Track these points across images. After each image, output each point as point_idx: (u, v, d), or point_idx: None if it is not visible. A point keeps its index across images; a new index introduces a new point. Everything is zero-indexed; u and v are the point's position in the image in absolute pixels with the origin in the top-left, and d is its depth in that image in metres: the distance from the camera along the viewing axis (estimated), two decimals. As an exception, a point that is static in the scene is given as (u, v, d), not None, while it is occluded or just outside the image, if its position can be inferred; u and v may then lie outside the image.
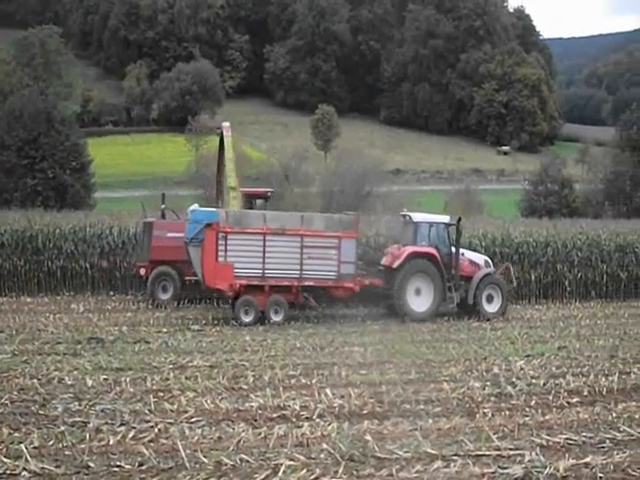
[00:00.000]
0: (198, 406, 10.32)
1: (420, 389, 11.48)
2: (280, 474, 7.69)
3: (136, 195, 55.73)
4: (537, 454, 8.37)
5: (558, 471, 7.83)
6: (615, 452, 8.60)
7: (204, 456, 8.20)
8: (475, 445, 8.69)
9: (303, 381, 12.01)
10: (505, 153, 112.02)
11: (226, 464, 8.02)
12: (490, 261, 21.66)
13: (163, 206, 23.60)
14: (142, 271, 21.52)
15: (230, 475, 7.76)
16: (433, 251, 19.90)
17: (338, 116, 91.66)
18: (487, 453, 8.46)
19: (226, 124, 22.71)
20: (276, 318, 18.54)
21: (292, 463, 8.02)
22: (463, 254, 20.75)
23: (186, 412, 9.99)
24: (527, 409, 10.51)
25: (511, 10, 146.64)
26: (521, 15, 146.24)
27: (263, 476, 7.68)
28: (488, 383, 11.95)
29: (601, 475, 7.81)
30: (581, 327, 18.90)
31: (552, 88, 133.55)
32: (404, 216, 21.35)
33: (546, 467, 7.90)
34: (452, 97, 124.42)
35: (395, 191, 48.82)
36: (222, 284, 18.20)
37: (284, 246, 18.62)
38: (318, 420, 9.74)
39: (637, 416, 10.19)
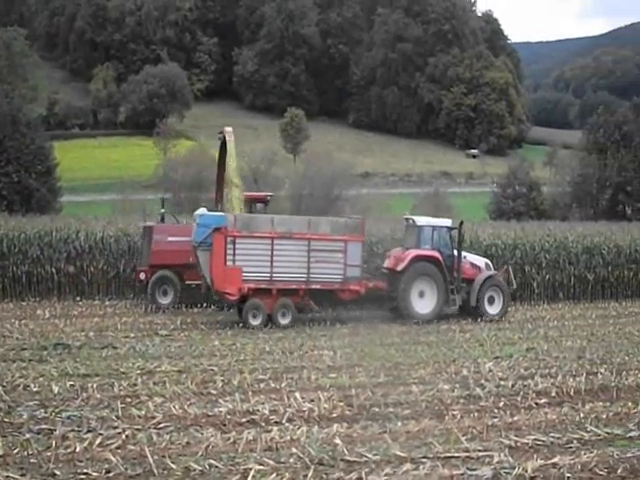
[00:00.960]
0: (166, 412, 10.22)
1: (389, 392, 11.49)
2: (249, 479, 7.64)
3: (104, 199, 55.32)
4: (505, 455, 8.42)
5: (526, 472, 7.88)
6: (582, 452, 8.68)
7: (172, 462, 8.13)
8: (444, 447, 8.71)
9: (272, 385, 11.96)
10: (474, 156, 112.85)
11: (195, 470, 7.96)
12: (490, 264, 22.02)
13: (162, 210, 23.52)
14: (142, 275, 21.42)
15: (198, 480, 7.70)
16: (436, 254, 20.25)
17: (307, 119, 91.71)
18: (456, 455, 8.49)
19: (229, 129, 22.56)
20: (284, 321, 18.73)
21: (261, 468, 7.97)
22: (465, 257, 21.13)
23: (154, 418, 9.89)
24: (496, 410, 10.57)
25: (479, 14, 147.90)
26: (489, 19, 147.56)
27: (231, 481, 7.64)
28: (457, 385, 12.00)
29: (569, 475, 7.87)
30: (549, 328, 19.10)
31: (520, 92, 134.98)
32: (407, 220, 21.73)
33: (514, 468, 7.95)
34: (421, 101, 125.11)
35: (364, 194, 49.00)
36: (231, 288, 18.31)
37: (291, 250, 18.84)
38: (287, 424, 9.70)
39: (604, 416, 10.30)
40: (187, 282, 21.31)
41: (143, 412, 10.15)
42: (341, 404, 10.68)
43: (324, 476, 7.83)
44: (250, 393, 11.23)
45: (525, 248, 25.40)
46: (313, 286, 19.10)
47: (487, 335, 17.67)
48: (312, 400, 10.86)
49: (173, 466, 8.01)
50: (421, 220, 21.32)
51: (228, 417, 10.04)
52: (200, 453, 8.48)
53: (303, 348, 15.48)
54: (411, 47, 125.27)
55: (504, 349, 15.64)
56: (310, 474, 7.81)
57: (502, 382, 12.27)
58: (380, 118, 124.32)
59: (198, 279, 20.39)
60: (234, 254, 18.26)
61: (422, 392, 11.44)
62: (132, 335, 16.82)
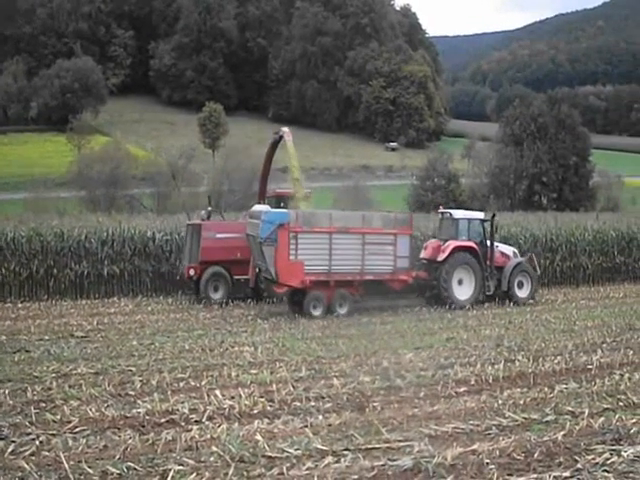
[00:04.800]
0: (82, 415, 9.92)
1: (311, 386, 11.46)
2: (169, 480, 7.50)
3: (16, 198, 53.59)
4: (426, 444, 8.47)
5: (446, 460, 7.95)
6: (501, 438, 8.82)
7: (89, 467, 7.89)
8: (365, 439, 8.72)
9: (192, 384, 11.74)
10: (393, 149, 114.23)
11: (112, 473, 7.76)
12: (517, 252, 23.95)
13: (209, 208, 24.39)
14: (192, 272, 22.04)
15: (116, 484, 7.53)
16: (474, 245, 21.94)
17: (226, 114, 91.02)
18: (377, 446, 8.50)
19: (286, 129, 23.51)
20: (341, 311, 19.85)
21: (181, 468, 7.82)
22: (497, 246, 22.89)
23: (70, 422, 9.58)
24: (416, 401, 10.64)
25: (397, 8, 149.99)
26: (407, 13, 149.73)
27: (151, 483, 7.48)
28: (378, 377, 12.02)
29: (487, 461, 7.97)
30: (468, 318, 19.39)
31: (438, 85, 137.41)
32: (442, 213, 23.54)
33: (434, 456, 8.01)
34: (340, 94, 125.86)
35: (284, 188, 48.76)
36: (294, 281, 19.38)
37: (348, 243, 19.98)
38: (207, 422, 9.55)
39: (521, 402, 10.49)
40: (235, 277, 22.18)
41: (58, 417, 9.82)
42: (262, 400, 10.57)
43: (245, 473, 7.73)
44: (169, 392, 11.01)
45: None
46: (367, 277, 20.35)
47: (408, 326, 17.83)
48: (233, 397, 10.72)
49: (90, 471, 7.78)
50: (458, 213, 23.11)
51: (147, 418, 9.81)
52: (118, 456, 8.27)
53: (224, 345, 15.26)
54: (330, 41, 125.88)
55: (424, 339, 15.80)
56: (231, 472, 7.70)
57: (422, 372, 12.39)
58: (299, 112, 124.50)
59: (246, 274, 21.99)
60: (296, 248, 19.30)
61: (343, 385, 11.44)
62: (47, 338, 16.23)
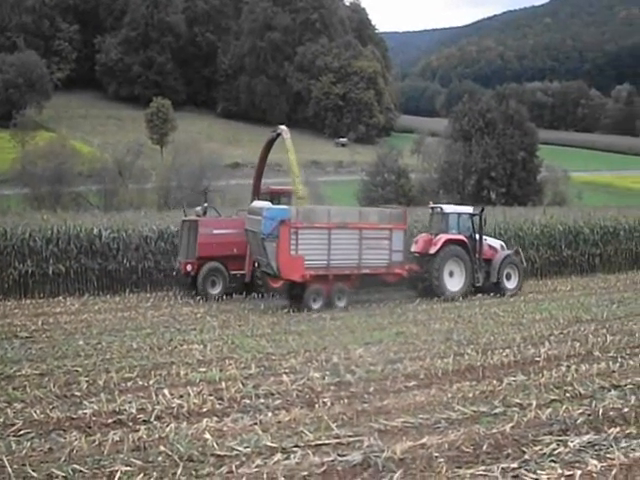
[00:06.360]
0: (27, 417, 9.71)
1: (260, 383, 11.38)
2: (115, 481, 7.36)
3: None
4: (375, 439, 8.48)
5: (395, 454, 7.95)
6: (450, 431, 8.86)
7: (33, 470, 7.72)
8: (315, 435, 8.70)
9: (140, 383, 11.58)
10: (343, 145, 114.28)
11: (57, 476, 7.59)
12: (504, 245, 24.80)
13: (205, 204, 24.71)
14: (189, 267, 22.40)
15: (61, 487, 7.36)
16: (464, 238, 22.76)
17: (174, 109, 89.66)
18: (327, 442, 8.48)
19: (284, 127, 23.99)
20: (340, 304, 20.50)
21: (128, 469, 7.70)
22: (486, 239, 23.74)
23: (13, 425, 9.36)
24: (366, 396, 10.65)
25: (347, 4, 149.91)
26: (357, 9, 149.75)
27: (97, 485, 7.34)
28: (327, 373, 12.01)
29: (436, 454, 8.01)
30: (418, 312, 19.52)
31: (388, 80, 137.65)
32: (433, 208, 24.36)
33: (384, 451, 8.01)
34: (290, 90, 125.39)
35: (233, 185, 48.58)
36: (295, 275, 19.96)
37: (345, 238, 20.59)
38: (156, 422, 9.42)
39: (470, 395, 10.57)
40: (232, 272, 22.67)
41: (1, 420, 9.59)
42: (211, 398, 10.47)
43: (193, 472, 7.64)
44: (117, 393, 10.84)
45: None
46: (363, 271, 20.97)
47: (358, 322, 17.87)
48: (181, 396, 10.60)
49: (34, 474, 7.61)
50: (448, 208, 24.04)
51: (93, 419, 9.63)
52: (63, 458, 8.09)
53: (172, 343, 15.08)
54: (279, 36, 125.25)
55: (374, 334, 15.83)
56: (179, 471, 7.60)
57: (372, 367, 12.40)
58: (249, 107, 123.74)
59: (242, 269, 22.74)
60: (297, 244, 19.80)
61: (293, 381, 11.40)
62: (-11, 338, 15.88)
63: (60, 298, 22.55)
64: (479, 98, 70.42)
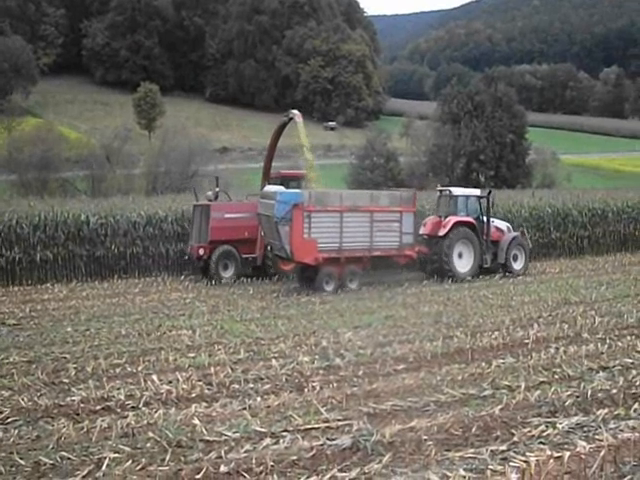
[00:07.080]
0: (14, 405, 9.67)
1: (249, 368, 11.36)
2: (104, 468, 7.33)
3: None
4: (364, 422, 8.47)
5: (384, 437, 7.95)
6: (439, 414, 8.87)
7: (21, 457, 7.70)
8: (304, 419, 8.68)
9: (129, 369, 11.54)
10: (332, 129, 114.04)
11: (45, 464, 7.56)
12: (511, 227, 25.14)
13: (217, 189, 24.67)
14: (202, 251, 22.80)
15: (49, 475, 7.34)
16: (473, 220, 23.06)
17: (162, 94, 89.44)
18: (316, 426, 8.47)
19: (296, 111, 24.36)
20: (352, 286, 20.79)
21: (116, 455, 7.67)
22: (493, 221, 24.01)
23: (1, 413, 9.33)
24: (355, 379, 10.65)
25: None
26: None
27: (85, 472, 7.29)
28: (317, 357, 12.00)
29: (425, 437, 8.01)
30: (407, 296, 19.47)
31: (376, 64, 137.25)
32: (441, 191, 24.58)
33: (373, 434, 8.00)
34: (278, 74, 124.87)
35: (222, 170, 48.37)
36: (308, 258, 20.17)
37: (357, 221, 20.86)
38: (144, 408, 9.39)
39: (459, 377, 10.58)
40: (243, 256, 23.06)
41: (-12, 407, 9.54)
42: (200, 383, 10.45)
43: (182, 458, 7.61)
44: (105, 379, 10.79)
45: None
46: (375, 253, 21.31)
47: (347, 305, 17.84)
48: (170, 382, 10.57)
49: (22, 462, 7.58)
50: (457, 191, 24.21)
51: (81, 406, 9.59)
52: (51, 446, 8.06)
53: (161, 329, 15.02)
54: (267, 19, 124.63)
55: (363, 318, 15.80)
56: (168, 457, 7.58)
57: (361, 351, 12.40)
58: (237, 92, 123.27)
59: (253, 252, 23.25)
60: (310, 227, 20.05)
61: (282, 366, 11.38)
62: (-24, 326, 15.78)
63: (48, 285, 22.44)
64: (468, 81, 70.54)
